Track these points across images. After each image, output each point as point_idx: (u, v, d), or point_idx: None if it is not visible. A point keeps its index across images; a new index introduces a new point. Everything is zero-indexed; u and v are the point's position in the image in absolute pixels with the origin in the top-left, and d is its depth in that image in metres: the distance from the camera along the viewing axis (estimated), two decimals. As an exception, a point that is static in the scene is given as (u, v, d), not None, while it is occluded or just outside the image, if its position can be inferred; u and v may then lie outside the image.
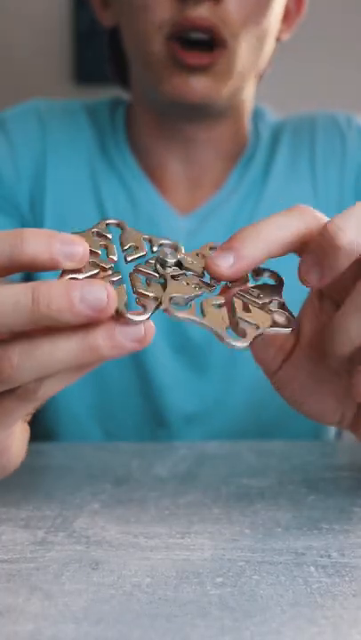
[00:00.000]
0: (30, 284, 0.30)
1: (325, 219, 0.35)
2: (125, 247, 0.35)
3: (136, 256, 0.34)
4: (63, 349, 0.30)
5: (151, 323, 0.32)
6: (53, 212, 0.69)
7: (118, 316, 0.31)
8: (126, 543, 0.37)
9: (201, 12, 0.60)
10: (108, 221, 0.35)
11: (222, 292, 0.35)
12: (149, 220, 0.69)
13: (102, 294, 0.30)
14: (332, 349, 0.34)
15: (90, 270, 0.32)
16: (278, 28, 0.68)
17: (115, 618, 0.29)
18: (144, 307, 0.32)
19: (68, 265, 0.31)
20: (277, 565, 0.34)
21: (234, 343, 0.32)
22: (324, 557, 0.35)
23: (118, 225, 0.35)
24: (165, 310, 0.32)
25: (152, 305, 0.32)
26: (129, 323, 0.31)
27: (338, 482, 0.46)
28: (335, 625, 0.29)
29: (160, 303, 0.32)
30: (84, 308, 0.29)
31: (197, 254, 0.35)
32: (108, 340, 0.31)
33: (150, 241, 0.35)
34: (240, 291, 0.34)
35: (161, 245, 0.35)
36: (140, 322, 0.31)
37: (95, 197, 0.70)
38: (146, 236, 0.35)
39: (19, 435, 0.37)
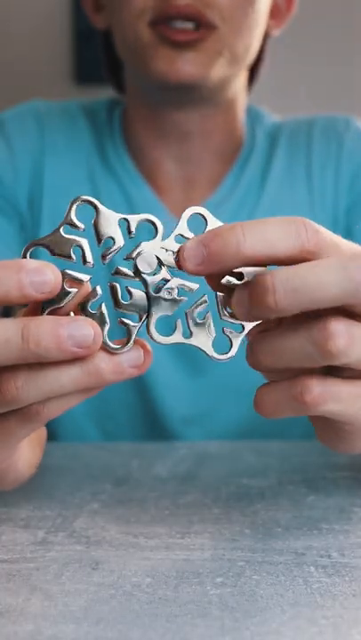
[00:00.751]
0: (20, 321, 0.31)
1: (324, 235, 0.32)
2: (101, 240, 0.33)
3: (112, 251, 0.33)
4: (67, 374, 0.32)
5: (150, 348, 0.33)
6: (51, 212, 0.69)
7: (104, 347, 0.32)
8: (126, 543, 0.37)
9: (186, 0, 0.60)
10: (78, 202, 0.33)
11: (208, 280, 0.34)
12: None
13: (89, 332, 0.31)
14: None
15: (67, 294, 0.32)
16: (267, 23, 0.68)
17: (115, 618, 0.29)
18: (127, 329, 0.32)
19: (41, 297, 0.31)
20: (277, 565, 0.34)
21: (219, 357, 0.34)
22: (324, 557, 0.35)
23: (90, 204, 0.33)
24: (151, 338, 0.33)
25: (135, 329, 0.33)
26: (115, 353, 0.32)
27: (338, 482, 0.46)
28: (335, 625, 0.29)
29: (143, 321, 0.33)
30: (71, 346, 0.31)
31: (178, 235, 0.34)
32: (110, 365, 0.32)
33: (127, 221, 0.34)
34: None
35: (144, 221, 0.34)
36: (125, 352, 0.32)
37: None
38: (122, 217, 0.34)
39: (26, 449, 0.37)
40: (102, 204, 0.34)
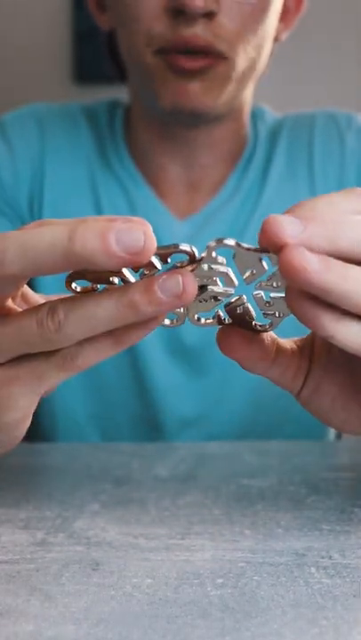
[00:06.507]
0: (70, 224, 0.29)
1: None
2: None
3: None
4: (104, 307, 0.30)
5: (190, 279, 0.30)
6: (51, 215, 0.69)
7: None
8: (126, 544, 0.37)
9: (195, 31, 0.59)
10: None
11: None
12: None
13: (139, 236, 0.29)
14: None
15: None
16: (277, 28, 0.68)
17: (115, 619, 0.29)
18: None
19: (133, 259, 0.29)
20: (278, 566, 0.34)
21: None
22: (324, 558, 0.35)
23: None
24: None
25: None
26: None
27: (338, 482, 0.46)
28: (336, 626, 0.29)
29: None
30: (119, 250, 0.28)
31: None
32: (145, 296, 0.30)
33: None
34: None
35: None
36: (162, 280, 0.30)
37: (94, 201, 0.70)
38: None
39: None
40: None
